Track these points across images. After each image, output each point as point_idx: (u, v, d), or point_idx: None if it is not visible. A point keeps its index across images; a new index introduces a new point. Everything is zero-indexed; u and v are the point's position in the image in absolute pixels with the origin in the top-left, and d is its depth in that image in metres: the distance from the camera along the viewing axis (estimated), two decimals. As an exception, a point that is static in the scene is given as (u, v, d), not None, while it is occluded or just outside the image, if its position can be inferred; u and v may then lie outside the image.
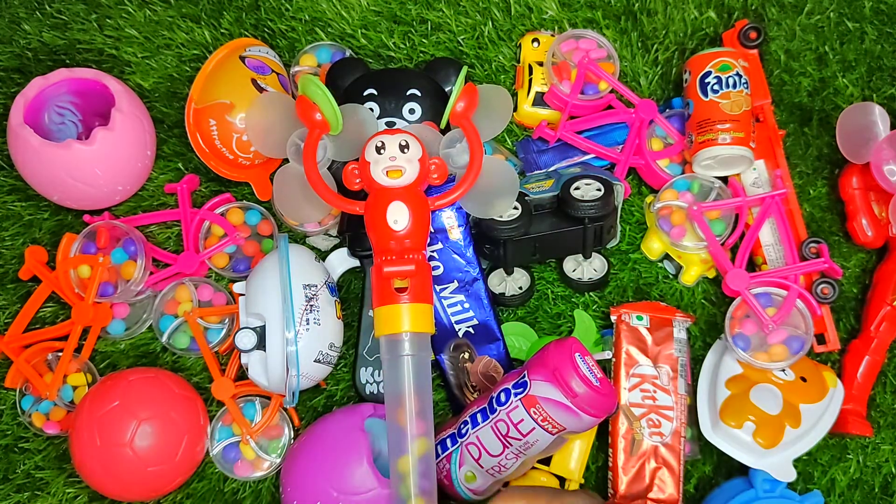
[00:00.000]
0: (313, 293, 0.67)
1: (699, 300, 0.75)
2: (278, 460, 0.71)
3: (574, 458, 0.68)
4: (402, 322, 0.60)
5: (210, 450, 0.71)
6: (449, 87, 0.72)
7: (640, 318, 0.70)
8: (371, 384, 0.72)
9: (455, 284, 0.70)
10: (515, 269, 0.73)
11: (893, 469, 0.72)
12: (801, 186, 0.76)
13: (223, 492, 0.73)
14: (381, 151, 0.62)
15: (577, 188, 0.69)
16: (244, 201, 0.76)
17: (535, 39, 0.77)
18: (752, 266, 0.74)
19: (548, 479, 0.68)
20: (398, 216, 0.61)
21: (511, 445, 0.62)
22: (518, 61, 0.78)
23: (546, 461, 0.69)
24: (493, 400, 0.63)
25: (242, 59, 0.74)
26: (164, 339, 0.74)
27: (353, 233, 0.71)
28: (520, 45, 0.78)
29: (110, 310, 0.74)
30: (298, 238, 0.76)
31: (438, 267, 0.70)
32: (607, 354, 0.69)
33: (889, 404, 0.73)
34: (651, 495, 0.68)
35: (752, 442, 0.67)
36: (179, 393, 0.70)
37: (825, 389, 0.69)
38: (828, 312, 0.72)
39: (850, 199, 0.74)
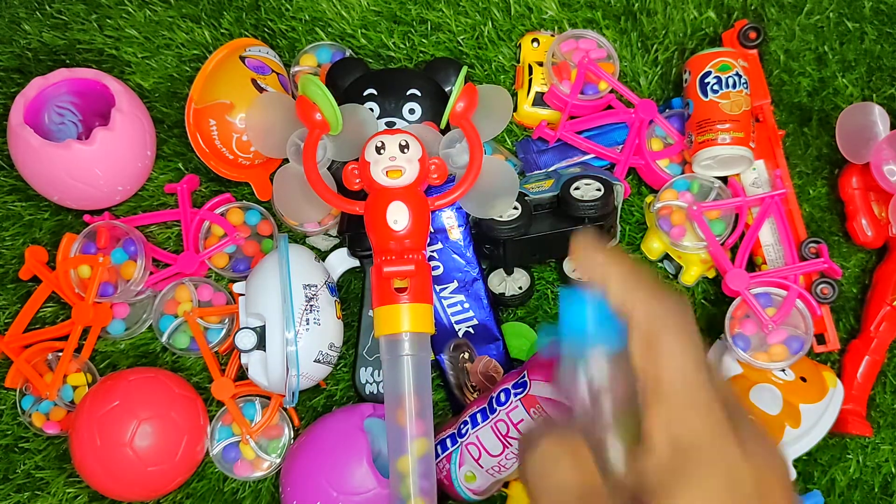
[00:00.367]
0: (313, 293, 0.67)
1: (699, 300, 0.74)
2: (278, 460, 0.71)
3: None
4: (402, 322, 0.60)
5: (210, 450, 0.71)
6: (449, 87, 0.72)
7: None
8: (371, 384, 0.72)
9: (455, 284, 0.70)
10: (515, 269, 0.73)
11: (893, 469, 0.72)
12: (800, 186, 0.76)
13: (223, 492, 0.73)
14: (381, 151, 0.62)
15: (576, 188, 0.69)
16: (244, 201, 0.76)
17: (534, 39, 0.77)
18: (751, 266, 0.74)
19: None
20: (398, 216, 0.61)
21: (511, 445, 0.62)
22: (518, 61, 0.78)
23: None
24: (493, 400, 0.62)
25: (242, 59, 0.74)
26: (164, 339, 0.74)
27: (353, 233, 0.71)
28: (520, 45, 0.78)
29: (110, 310, 0.74)
30: (298, 238, 0.76)
31: (438, 267, 0.70)
32: None
33: (889, 404, 0.73)
34: (651, 495, 0.68)
35: (752, 442, 0.66)
36: (179, 393, 0.70)
37: (825, 389, 0.69)
38: (828, 312, 0.72)
39: (850, 199, 0.74)
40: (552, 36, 0.77)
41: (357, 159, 0.64)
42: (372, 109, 0.69)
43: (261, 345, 0.65)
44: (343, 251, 0.73)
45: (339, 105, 0.65)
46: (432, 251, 0.69)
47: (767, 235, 0.73)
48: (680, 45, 0.78)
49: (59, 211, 0.77)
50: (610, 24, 0.79)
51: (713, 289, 0.75)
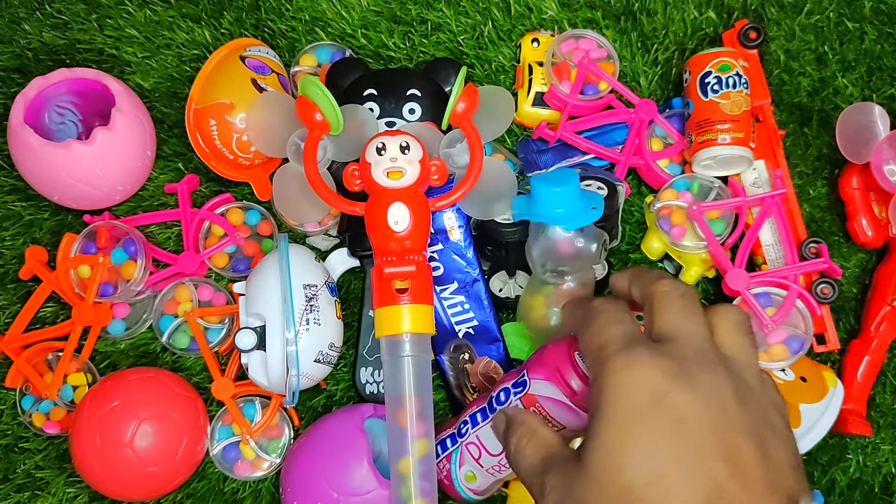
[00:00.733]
0: (313, 293, 0.67)
1: (699, 300, 0.74)
2: (278, 460, 0.71)
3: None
4: (403, 323, 0.60)
5: (210, 450, 0.71)
6: (449, 87, 0.72)
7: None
8: (371, 384, 0.72)
9: (455, 285, 0.70)
10: (518, 271, 0.73)
11: (893, 469, 0.72)
12: (800, 186, 0.76)
13: (223, 492, 0.73)
14: (382, 153, 0.62)
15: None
16: (244, 201, 0.76)
17: (534, 39, 0.77)
18: (751, 266, 0.74)
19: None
20: (399, 217, 0.61)
21: None
22: (518, 61, 0.78)
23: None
24: (493, 399, 0.63)
25: (242, 59, 0.74)
26: (164, 339, 0.74)
27: (353, 233, 0.71)
28: (520, 45, 0.78)
29: (110, 310, 0.74)
30: (298, 238, 0.76)
31: (439, 268, 0.70)
32: None
33: (889, 404, 0.73)
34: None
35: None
36: (179, 393, 0.70)
37: (825, 389, 0.69)
38: (828, 312, 0.72)
39: (850, 200, 0.74)
40: (552, 36, 0.77)
41: (357, 160, 0.64)
42: (372, 109, 0.69)
43: (261, 345, 0.65)
44: (343, 251, 0.73)
45: (339, 105, 0.65)
46: (433, 252, 0.69)
47: (767, 235, 0.73)
48: (680, 45, 0.78)
49: (59, 211, 0.77)
50: (610, 24, 0.79)
51: (713, 289, 0.75)
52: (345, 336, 0.72)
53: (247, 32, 0.80)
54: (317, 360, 0.67)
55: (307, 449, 0.67)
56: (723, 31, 0.77)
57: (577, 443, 0.67)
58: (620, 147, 0.75)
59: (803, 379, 0.69)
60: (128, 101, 0.73)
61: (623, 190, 0.70)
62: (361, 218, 0.63)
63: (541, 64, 0.76)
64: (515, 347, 0.72)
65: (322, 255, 0.73)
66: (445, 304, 0.70)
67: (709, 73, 0.71)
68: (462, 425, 0.65)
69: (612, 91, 0.75)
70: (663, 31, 0.78)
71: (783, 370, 0.69)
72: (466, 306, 0.70)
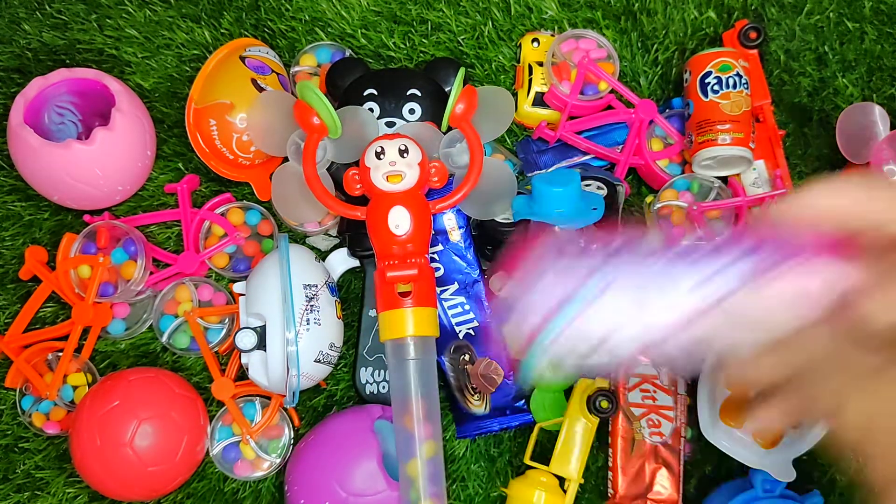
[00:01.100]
0: (313, 293, 0.67)
1: None
2: (278, 460, 0.71)
3: (574, 458, 0.68)
4: (407, 326, 0.60)
5: (210, 450, 0.71)
6: (449, 87, 0.72)
7: None
8: (371, 384, 0.72)
9: (456, 286, 0.70)
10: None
11: (893, 469, 0.72)
12: (801, 187, 0.76)
13: (223, 492, 0.73)
14: (381, 156, 0.62)
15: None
16: (244, 201, 0.76)
17: (534, 39, 0.77)
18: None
19: (547, 479, 0.68)
20: (399, 221, 0.61)
21: None
22: (518, 61, 0.78)
23: (546, 461, 0.69)
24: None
25: (242, 59, 0.74)
26: (164, 339, 0.74)
27: (352, 233, 0.71)
28: (520, 45, 0.78)
29: (110, 310, 0.74)
30: (298, 238, 0.76)
31: (439, 269, 0.70)
32: None
33: (889, 404, 0.73)
34: (651, 495, 0.68)
35: (752, 442, 0.67)
36: (179, 393, 0.70)
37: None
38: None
39: (850, 200, 0.74)
40: (552, 36, 0.77)
41: (357, 162, 0.64)
42: (372, 109, 0.69)
43: (261, 345, 0.65)
44: (343, 251, 0.73)
45: (338, 107, 0.65)
46: (433, 253, 0.69)
47: (767, 235, 0.73)
48: (680, 45, 0.78)
49: (59, 211, 0.77)
50: (610, 24, 0.78)
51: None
52: (345, 336, 0.72)
53: (247, 32, 0.80)
54: (317, 360, 0.67)
55: (315, 448, 0.67)
56: (723, 31, 0.77)
57: (572, 460, 0.68)
58: (620, 147, 0.75)
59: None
60: (128, 101, 0.73)
61: (623, 190, 0.70)
62: (363, 221, 0.63)
63: (541, 64, 0.76)
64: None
65: (322, 255, 0.73)
66: (446, 304, 0.70)
67: (709, 74, 0.71)
68: (599, 274, 0.40)
69: (612, 91, 0.75)
70: (663, 31, 0.78)
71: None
72: (467, 307, 0.70)
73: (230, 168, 0.75)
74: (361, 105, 0.69)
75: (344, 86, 0.72)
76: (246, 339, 0.65)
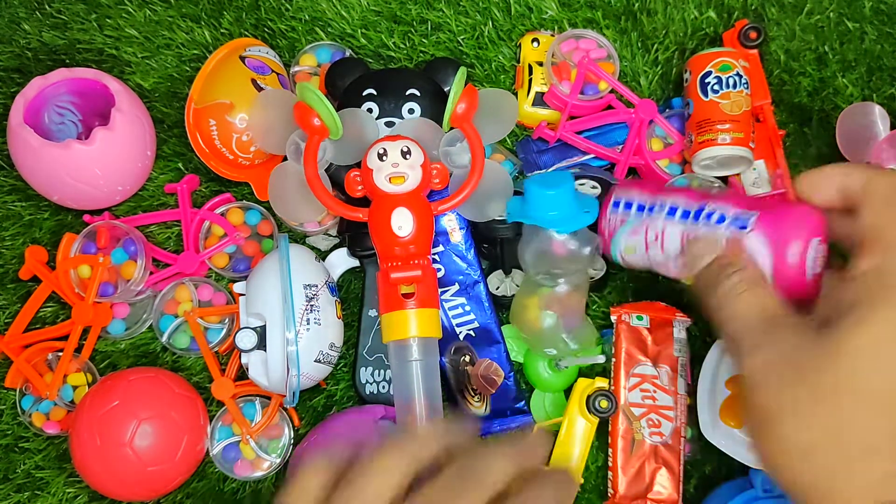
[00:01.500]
0: (314, 293, 0.67)
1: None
2: (278, 460, 0.71)
3: (573, 458, 0.68)
4: (410, 328, 0.60)
5: (210, 450, 0.71)
6: (448, 87, 0.72)
7: (640, 319, 0.70)
8: (371, 384, 0.72)
9: (456, 287, 0.70)
10: (514, 270, 0.73)
11: (893, 469, 0.72)
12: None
13: (223, 492, 0.73)
14: (384, 158, 0.62)
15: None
16: (244, 201, 0.76)
17: (534, 39, 0.77)
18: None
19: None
20: (402, 222, 0.61)
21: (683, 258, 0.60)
22: (518, 61, 0.78)
23: (545, 461, 0.69)
24: (705, 213, 0.59)
25: (242, 59, 0.74)
26: (164, 338, 0.74)
27: (353, 233, 0.71)
28: (520, 45, 0.78)
29: (110, 310, 0.74)
30: (298, 238, 0.76)
31: (440, 269, 0.70)
32: (600, 359, 0.69)
33: (889, 404, 0.73)
34: (651, 495, 0.68)
35: (753, 442, 0.67)
36: (179, 393, 0.70)
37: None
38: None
39: (850, 200, 0.74)
40: (552, 36, 0.77)
41: (358, 163, 0.64)
42: (371, 110, 0.69)
43: (261, 345, 0.65)
44: (343, 251, 0.73)
45: (338, 107, 0.65)
46: (434, 254, 0.69)
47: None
48: (680, 45, 0.78)
49: (59, 211, 0.77)
50: (610, 24, 0.79)
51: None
52: (345, 336, 0.72)
53: (247, 32, 0.80)
54: (317, 360, 0.67)
55: (315, 448, 0.67)
56: (723, 31, 0.77)
57: (572, 460, 0.68)
58: (620, 147, 0.75)
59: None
60: (128, 101, 0.73)
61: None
62: (364, 222, 0.64)
63: (541, 64, 0.76)
64: (514, 350, 0.72)
65: (322, 255, 0.73)
66: (447, 305, 0.70)
67: (709, 73, 0.71)
68: (658, 205, 0.62)
69: (612, 91, 0.75)
70: (663, 31, 0.78)
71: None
72: (468, 308, 0.70)
73: (230, 168, 0.75)
74: (360, 105, 0.69)
75: (343, 86, 0.72)
76: (246, 339, 0.65)
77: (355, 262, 0.73)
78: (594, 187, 0.69)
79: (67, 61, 0.80)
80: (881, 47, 0.78)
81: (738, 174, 0.73)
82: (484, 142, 0.65)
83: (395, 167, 0.62)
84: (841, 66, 0.78)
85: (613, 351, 0.70)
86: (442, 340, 0.69)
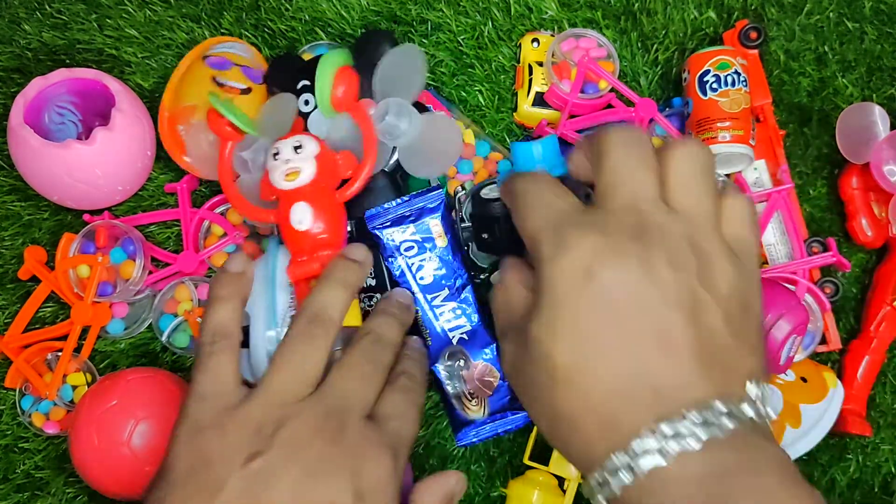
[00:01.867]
0: None
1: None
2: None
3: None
4: None
5: (209, 449, 0.71)
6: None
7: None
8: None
9: (445, 292, 0.69)
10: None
11: (893, 469, 0.72)
12: (800, 186, 0.76)
13: (222, 492, 0.73)
14: (277, 157, 0.62)
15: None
16: (244, 201, 0.76)
17: (534, 39, 0.77)
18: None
19: (546, 479, 0.68)
20: (301, 217, 0.61)
21: None
22: (518, 61, 0.78)
23: (545, 461, 0.69)
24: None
25: (205, 58, 0.74)
26: (163, 338, 0.74)
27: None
28: (520, 45, 0.78)
29: (109, 309, 0.74)
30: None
31: (426, 277, 0.69)
32: None
33: (889, 404, 0.73)
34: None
35: (752, 442, 0.66)
36: (178, 392, 0.69)
37: (825, 389, 0.69)
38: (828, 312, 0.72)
39: (850, 199, 0.74)
40: (552, 36, 0.77)
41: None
42: (308, 101, 0.69)
43: (245, 342, 0.65)
44: None
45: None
46: (421, 261, 0.69)
47: (770, 236, 0.73)
48: (680, 45, 0.78)
49: (58, 211, 0.77)
50: (610, 24, 0.79)
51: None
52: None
53: (247, 32, 0.80)
54: None
55: None
56: (723, 31, 0.77)
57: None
58: (620, 147, 0.75)
59: (803, 379, 0.69)
60: (128, 101, 0.73)
61: None
62: (348, 205, 0.64)
63: (541, 64, 0.76)
64: None
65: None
66: (437, 311, 0.69)
67: (707, 72, 0.71)
68: None
69: (612, 90, 0.75)
70: (663, 31, 0.78)
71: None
72: (458, 312, 0.69)
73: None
74: (299, 98, 0.69)
75: (283, 84, 0.71)
76: None
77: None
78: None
79: (67, 61, 0.80)
80: (881, 47, 0.78)
81: (738, 171, 0.73)
82: (408, 99, 0.65)
83: (288, 163, 0.62)
84: (841, 66, 0.78)
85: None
86: (436, 348, 0.69)
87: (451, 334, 0.69)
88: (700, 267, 0.45)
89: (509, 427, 0.70)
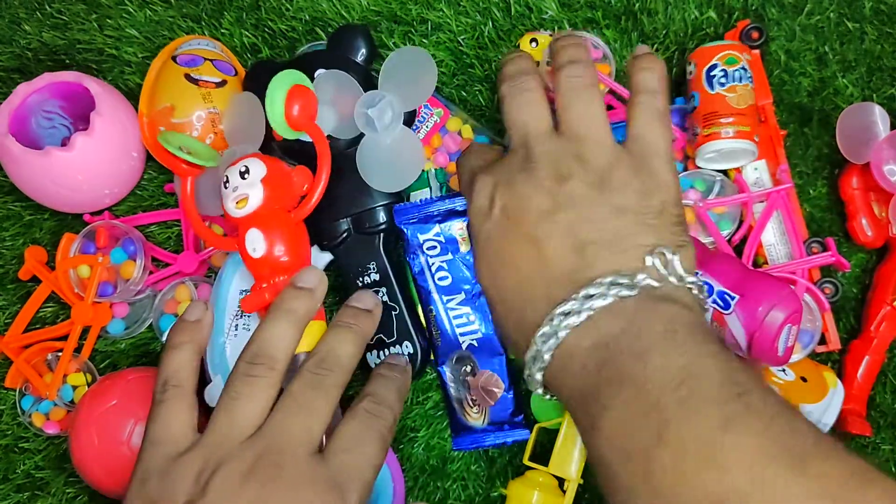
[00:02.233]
0: None
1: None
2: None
3: (573, 459, 0.68)
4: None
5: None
6: (360, 56, 0.71)
7: None
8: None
9: (462, 296, 0.68)
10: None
11: (893, 469, 0.72)
12: (801, 186, 0.76)
13: (223, 492, 0.73)
14: (227, 185, 0.61)
15: None
16: (244, 201, 0.76)
17: (533, 39, 0.77)
18: (754, 266, 0.74)
19: (546, 479, 0.68)
20: (255, 244, 0.60)
21: None
22: (518, 61, 0.78)
23: (545, 462, 0.69)
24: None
25: (174, 58, 0.73)
26: (164, 338, 0.74)
27: (317, 227, 0.69)
28: (518, 45, 0.78)
29: (110, 309, 0.74)
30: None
31: (447, 277, 0.69)
32: None
33: (889, 404, 0.73)
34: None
35: (752, 442, 0.66)
36: (179, 392, 0.70)
37: (825, 389, 0.69)
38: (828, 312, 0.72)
39: (850, 199, 0.74)
40: (551, 36, 0.77)
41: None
42: None
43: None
44: (314, 248, 0.71)
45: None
46: (442, 262, 0.68)
47: (770, 235, 0.73)
48: (681, 46, 0.78)
49: (58, 211, 0.77)
50: (610, 24, 0.78)
51: (713, 289, 0.75)
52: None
53: (247, 32, 0.80)
54: None
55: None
56: (723, 31, 0.77)
57: (572, 461, 0.68)
58: (620, 147, 0.75)
59: (803, 379, 0.69)
60: (109, 104, 0.72)
61: None
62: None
63: (538, 64, 0.76)
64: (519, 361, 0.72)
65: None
66: (451, 314, 0.69)
67: (715, 66, 0.70)
68: None
69: (610, 91, 0.75)
70: (664, 32, 0.78)
71: (783, 370, 0.69)
72: (472, 318, 0.69)
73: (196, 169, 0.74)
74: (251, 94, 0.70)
75: (260, 91, 0.70)
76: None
77: (330, 257, 0.70)
78: None
79: (67, 61, 0.80)
80: (881, 47, 0.78)
81: (739, 168, 0.73)
82: (407, 107, 0.66)
83: (236, 190, 0.61)
84: (841, 66, 0.78)
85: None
86: (445, 348, 0.69)
87: (461, 338, 0.69)
88: (586, 172, 0.54)
89: (507, 440, 0.70)
